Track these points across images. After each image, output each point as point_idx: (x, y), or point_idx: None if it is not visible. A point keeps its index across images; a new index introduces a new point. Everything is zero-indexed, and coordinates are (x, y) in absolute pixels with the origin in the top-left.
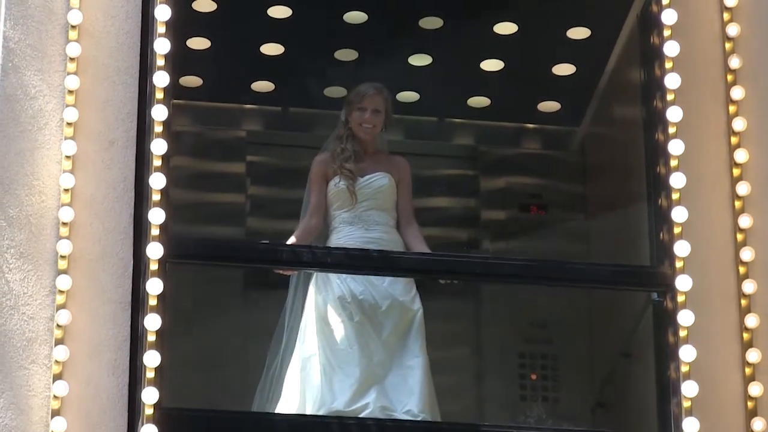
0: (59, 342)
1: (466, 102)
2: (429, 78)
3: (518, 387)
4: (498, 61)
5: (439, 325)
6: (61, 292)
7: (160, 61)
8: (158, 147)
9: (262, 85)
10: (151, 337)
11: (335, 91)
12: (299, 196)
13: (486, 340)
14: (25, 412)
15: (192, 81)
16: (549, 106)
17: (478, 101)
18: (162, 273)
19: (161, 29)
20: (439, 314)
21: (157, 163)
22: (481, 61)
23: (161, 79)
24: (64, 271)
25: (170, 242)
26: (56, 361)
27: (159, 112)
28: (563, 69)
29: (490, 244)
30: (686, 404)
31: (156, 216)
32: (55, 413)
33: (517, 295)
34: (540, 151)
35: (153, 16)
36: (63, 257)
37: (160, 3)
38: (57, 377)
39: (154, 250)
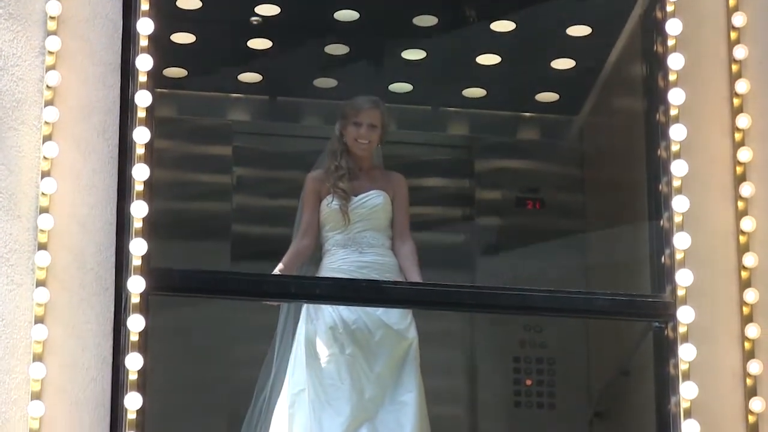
0: (49, 103)
1: (461, 93)
2: (423, 71)
3: (512, 393)
4: (494, 56)
5: (430, 325)
6: (51, 53)
7: None
8: None
9: (250, 77)
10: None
11: (325, 82)
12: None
13: (479, 344)
14: (15, 173)
15: (178, 72)
16: (547, 96)
17: (474, 92)
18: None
19: None
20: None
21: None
22: (477, 56)
23: None
24: (54, 33)
25: (152, 277)
26: (46, 123)
27: None
28: (562, 63)
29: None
30: None
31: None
32: (45, 174)
33: None
34: (537, 138)
35: None
36: (52, 18)
37: None
38: (47, 138)
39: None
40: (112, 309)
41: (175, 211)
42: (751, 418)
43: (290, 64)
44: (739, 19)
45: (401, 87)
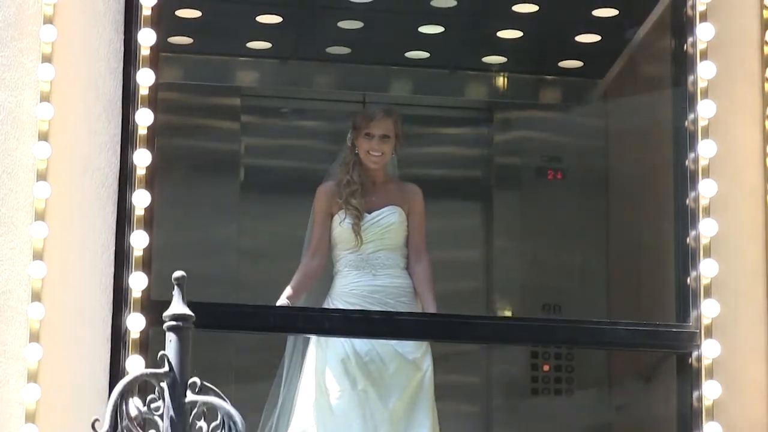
0: None
1: (481, 60)
2: (441, 44)
3: (529, 379)
4: (516, 31)
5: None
6: None
7: None
8: None
9: (259, 45)
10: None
11: (338, 50)
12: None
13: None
14: None
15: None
16: (570, 63)
17: (494, 59)
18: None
19: None
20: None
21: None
22: (497, 32)
23: None
24: None
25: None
26: None
27: None
28: (587, 38)
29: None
30: None
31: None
32: None
33: (529, 278)
34: (559, 103)
35: None
36: None
37: None
38: None
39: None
40: None
41: (184, 147)
42: None
43: (301, 36)
44: None
45: (417, 54)
